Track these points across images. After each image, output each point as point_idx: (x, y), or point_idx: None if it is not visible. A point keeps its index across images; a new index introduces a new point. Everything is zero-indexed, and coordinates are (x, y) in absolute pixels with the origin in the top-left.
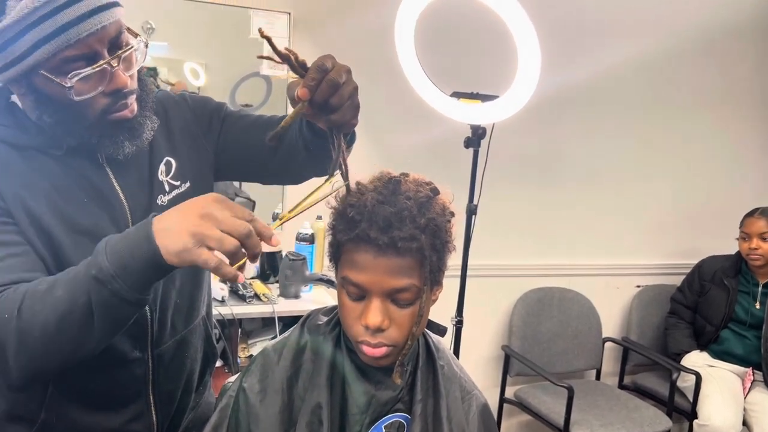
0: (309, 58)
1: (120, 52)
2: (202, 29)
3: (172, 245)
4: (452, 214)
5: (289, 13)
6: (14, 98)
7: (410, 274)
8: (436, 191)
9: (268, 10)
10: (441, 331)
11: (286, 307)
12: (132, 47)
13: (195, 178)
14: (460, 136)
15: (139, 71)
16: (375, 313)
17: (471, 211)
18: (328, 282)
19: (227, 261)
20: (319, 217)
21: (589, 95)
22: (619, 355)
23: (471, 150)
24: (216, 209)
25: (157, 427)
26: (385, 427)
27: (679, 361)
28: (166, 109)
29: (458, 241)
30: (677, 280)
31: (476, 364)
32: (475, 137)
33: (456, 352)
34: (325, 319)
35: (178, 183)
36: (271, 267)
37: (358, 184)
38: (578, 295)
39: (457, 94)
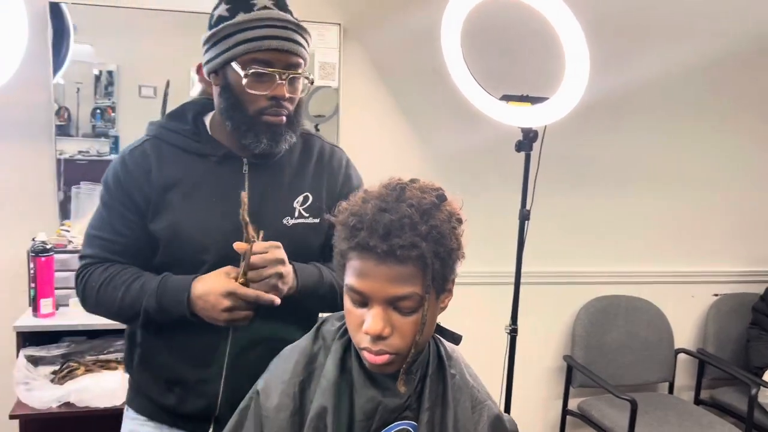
0: (360, 67)
1: (291, 72)
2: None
3: (204, 311)
4: (459, 221)
5: (339, 24)
6: (206, 119)
7: (412, 282)
8: (442, 197)
9: (319, 23)
10: (455, 339)
11: None
12: (301, 74)
13: (323, 219)
14: (512, 140)
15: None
16: (375, 320)
17: (524, 216)
18: None
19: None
20: None
21: (655, 96)
22: (695, 368)
23: (523, 154)
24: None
25: (222, 397)
26: None
27: (762, 376)
28: (330, 158)
29: (511, 247)
30: (759, 288)
31: (537, 374)
32: (527, 140)
33: (512, 361)
34: (338, 324)
35: (307, 215)
36: None
37: (364, 191)
38: (648, 304)
39: (506, 97)
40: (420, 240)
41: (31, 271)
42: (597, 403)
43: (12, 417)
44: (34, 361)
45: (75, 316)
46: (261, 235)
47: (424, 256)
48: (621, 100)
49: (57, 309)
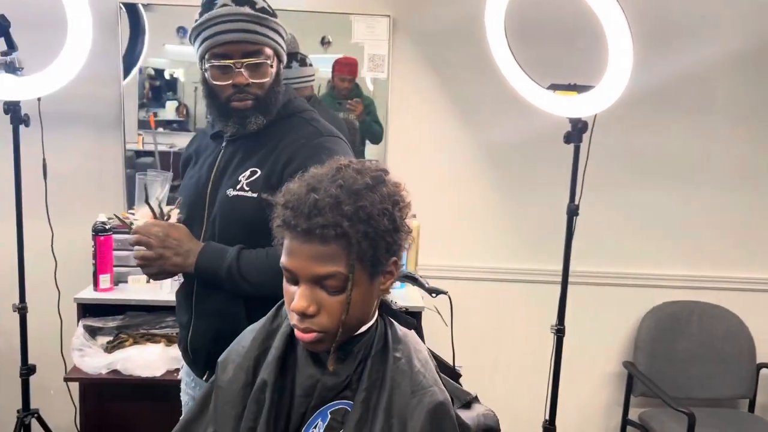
0: (409, 58)
1: (246, 60)
2: (306, 38)
3: None
4: (396, 203)
5: (389, 16)
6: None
7: (336, 262)
8: (378, 179)
9: (369, 15)
10: (409, 323)
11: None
12: (260, 61)
13: (260, 195)
14: (561, 131)
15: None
16: (300, 298)
17: (572, 211)
18: (413, 279)
19: None
20: (413, 215)
21: (725, 84)
22: None
23: (572, 145)
24: None
25: (191, 333)
26: (331, 413)
27: None
28: (294, 138)
29: (560, 245)
30: None
31: (596, 379)
32: (575, 131)
33: (558, 361)
34: None
35: (248, 189)
36: None
37: (308, 172)
38: (726, 312)
39: (554, 86)
40: (343, 219)
41: (93, 249)
42: (659, 415)
43: (66, 379)
44: (92, 331)
45: (132, 292)
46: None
47: (347, 235)
48: (686, 87)
49: (117, 285)
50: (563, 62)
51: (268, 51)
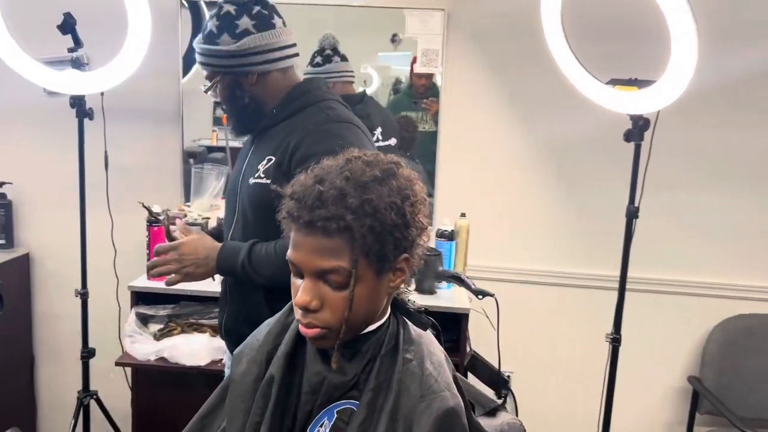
0: (463, 52)
1: (205, 85)
2: (357, 33)
3: None
4: (406, 198)
5: (443, 10)
6: None
7: (339, 256)
8: (388, 171)
9: (423, 9)
10: (423, 324)
11: (418, 300)
12: (209, 85)
13: (274, 180)
14: (622, 129)
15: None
16: (303, 292)
17: (631, 213)
18: (458, 280)
19: None
20: (463, 215)
21: None
22: None
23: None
24: None
25: (226, 319)
26: (337, 412)
27: None
28: (302, 125)
29: (617, 249)
30: None
31: (658, 393)
32: (636, 129)
33: (613, 373)
34: None
35: (264, 176)
36: None
37: (319, 164)
38: None
39: (614, 81)
40: (346, 212)
41: (147, 239)
42: None
43: (117, 364)
44: (144, 319)
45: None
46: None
47: (350, 229)
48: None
49: None
50: (624, 56)
51: (210, 75)
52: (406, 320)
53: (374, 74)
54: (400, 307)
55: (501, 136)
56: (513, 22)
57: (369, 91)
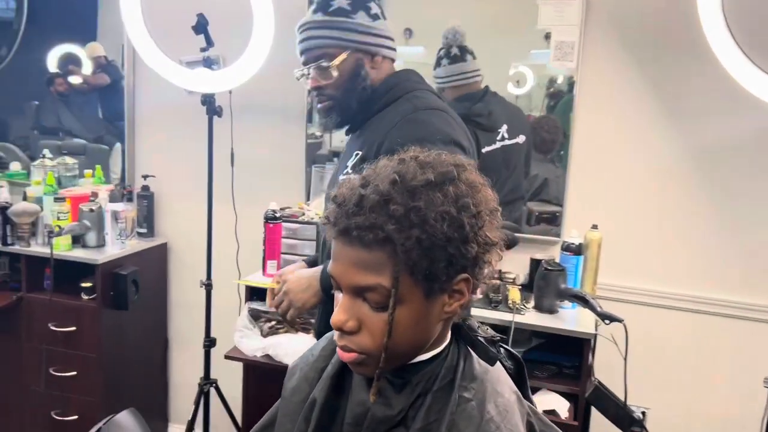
0: (602, 44)
1: (309, 66)
2: (487, 24)
3: None
4: (464, 208)
5: None
6: None
7: (379, 272)
8: (445, 176)
9: None
10: (490, 358)
11: (534, 320)
12: (323, 65)
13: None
14: None
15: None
16: (339, 310)
17: None
18: (582, 300)
19: None
20: (595, 227)
21: None
22: None
23: None
24: None
25: (318, 321)
26: None
27: None
28: (390, 117)
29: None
30: None
31: None
32: None
33: None
34: None
35: (351, 172)
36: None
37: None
38: None
39: None
40: (388, 221)
41: (263, 236)
42: None
43: (226, 357)
44: (256, 315)
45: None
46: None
47: (391, 241)
48: None
49: None
50: None
51: (333, 51)
52: (471, 351)
53: (529, 73)
54: (465, 336)
55: (645, 138)
56: (662, 9)
57: (521, 92)
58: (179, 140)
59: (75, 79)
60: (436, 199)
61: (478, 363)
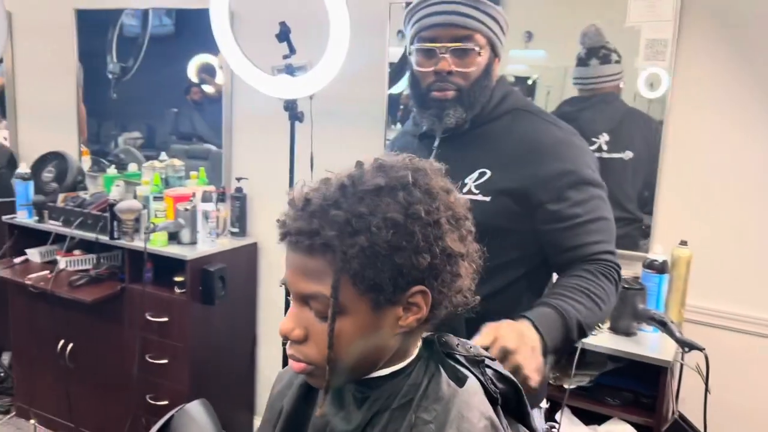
0: (699, 42)
1: (452, 44)
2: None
3: None
4: (414, 216)
5: None
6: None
7: (320, 280)
8: (400, 180)
9: None
10: (459, 379)
11: (607, 342)
12: (467, 47)
13: (496, 198)
14: None
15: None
16: (286, 318)
17: None
18: (660, 323)
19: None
20: (684, 243)
21: None
22: None
23: None
24: None
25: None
26: None
27: None
28: (533, 136)
29: None
30: None
31: None
32: None
33: None
34: None
35: (477, 192)
36: None
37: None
38: None
39: None
40: (327, 227)
41: None
42: None
43: None
44: None
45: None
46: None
47: (329, 247)
48: None
49: None
50: None
51: (480, 38)
52: (442, 370)
53: (664, 75)
54: (436, 353)
55: (743, 146)
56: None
57: (655, 95)
58: (270, 144)
59: (208, 88)
60: (381, 206)
61: (447, 383)
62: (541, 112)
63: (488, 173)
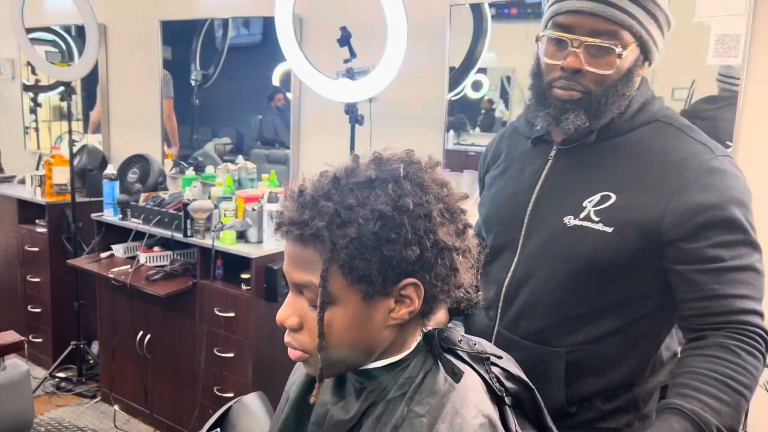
0: None
1: (587, 39)
2: None
3: None
4: (403, 210)
5: None
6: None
7: (311, 269)
8: (391, 174)
9: None
10: (455, 374)
11: None
12: (606, 44)
13: (620, 229)
14: None
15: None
16: (283, 307)
17: None
18: None
19: None
20: None
21: None
22: None
23: None
24: None
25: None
26: None
27: None
28: (677, 159)
29: None
30: None
31: None
32: None
33: None
34: None
35: (597, 219)
36: None
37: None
38: None
39: None
40: (318, 218)
41: None
42: None
43: None
44: None
45: None
46: None
47: (319, 237)
48: None
49: None
50: None
51: (626, 37)
52: (440, 364)
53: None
54: (435, 348)
55: None
56: None
57: None
58: (333, 146)
59: (291, 95)
60: (372, 198)
61: (444, 378)
62: (687, 127)
63: (612, 198)
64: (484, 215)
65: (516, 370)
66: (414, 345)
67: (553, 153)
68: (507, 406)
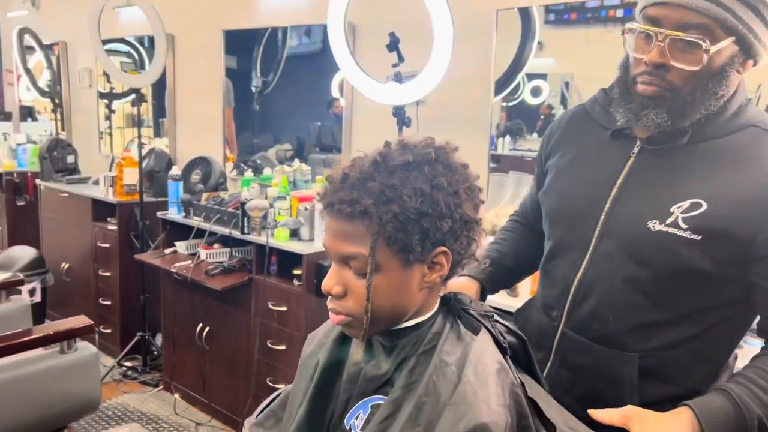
0: None
1: (671, 33)
2: None
3: None
4: (438, 187)
5: None
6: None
7: (358, 242)
8: (425, 157)
9: None
10: (474, 329)
11: None
12: (690, 38)
13: (709, 239)
14: None
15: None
16: (328, 277)
17: None
18: None
19: None
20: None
21: None
22: None
23: None
24: None
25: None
26: (371, 406)
27: None
28: (756, 158)
29: None
30: None
31: None
32: None
33: None
34: None
35: (685, 227)
36: None
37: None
38: None
39: None
40: (366, 197)
41: None
42: None
43: None
44: None
45: None
46: None
47: (369, 214)
48: None
49: None
50: None
51: (719, 32)
52: (459, 322)
53: None
54: (453, 307)
55: None
56: None
57: None
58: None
59: (343, 101)
60: (410, 178)
61: (464, 332)
62: None
63: (703, 206)
64: (551, 207)
65: (512, 325)
66: (436, 306)
67: (636, 150)
68: (507, 356)
